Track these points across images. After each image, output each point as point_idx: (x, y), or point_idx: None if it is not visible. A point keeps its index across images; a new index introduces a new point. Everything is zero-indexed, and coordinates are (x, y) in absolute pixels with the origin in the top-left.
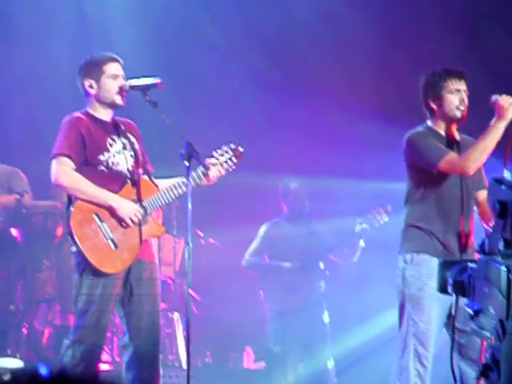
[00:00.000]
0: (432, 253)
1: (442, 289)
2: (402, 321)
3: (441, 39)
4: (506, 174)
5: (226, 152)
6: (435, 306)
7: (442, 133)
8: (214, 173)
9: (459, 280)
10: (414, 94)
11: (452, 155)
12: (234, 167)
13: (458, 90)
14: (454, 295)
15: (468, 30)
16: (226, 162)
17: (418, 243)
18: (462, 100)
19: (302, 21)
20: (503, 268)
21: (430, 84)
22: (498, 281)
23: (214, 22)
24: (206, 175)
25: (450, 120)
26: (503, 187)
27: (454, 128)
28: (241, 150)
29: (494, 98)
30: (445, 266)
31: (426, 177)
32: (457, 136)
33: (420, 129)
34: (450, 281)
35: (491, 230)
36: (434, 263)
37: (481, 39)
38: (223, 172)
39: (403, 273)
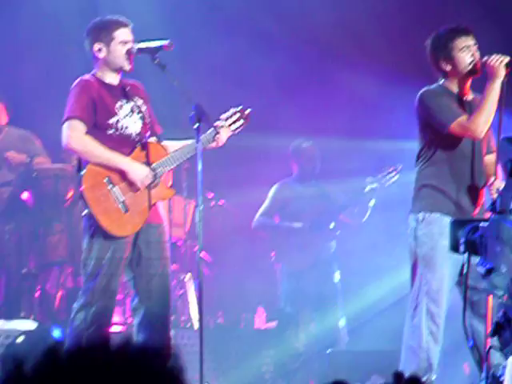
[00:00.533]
0: (444, 211)
1: (454, 248)
2: (414, 280)
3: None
4: None
5: (234, 114)
6: (447, 264)
7: (456, 91)
8: (222, 136)
9: (471, 239)
10: (424, 52)
11: (463, 118)
12: (241, 128)
13: (468, 46)
14: (466, 254)
15: None
16: (233, 122)
17: (430, 202)
18: (474, 55)
19: None
20: None
21: (438, 46)
22: (509, 240)
23: None
24: (214, 138)
25: (465, 77)
26: None
27: (468, 85)
28: (248, 111)
29: (484, 59)
30: (456, 225)
31: (439, 136)
32: (469, 94)
33: (433, 87)
34: (462, 240)
35: (502, 189)
36: (445, 222)
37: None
38: (229, 134)
39: (415, 232)
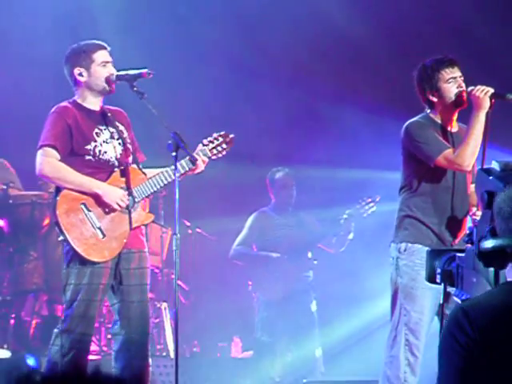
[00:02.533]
0: (427, 243)
1: (430, 278)
2: (393, 310)
3: (428, 30)
4: (494, 165)
5: (216, 139)
6: (428, 295)
7: (442, 123)
8: (200, 162)
9: (447, 269)
10: (405, 84)
11: (449, 151)
12: (224, 153)
13: (454, 78)
14: (442, 285)
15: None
16: (215, 147)
17: (413, 233)
18: (460, 86)
19: (283, 7)
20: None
21: (424, 78)
22: (485, 271)
23: (197, 13)
24: (193, 164)
25: (451, 108)
26: (491, 178)
27: (454, 117)
28: (231, 135)
29: (469, 89)
30: (433, 255)
31: (423, 168)
32: (454, 126)
33: (420, 119)
34: (439, 270)
35: (478, 220)
36: None
37: (470, 33)
38: (207, 159)
39: (397, 262)
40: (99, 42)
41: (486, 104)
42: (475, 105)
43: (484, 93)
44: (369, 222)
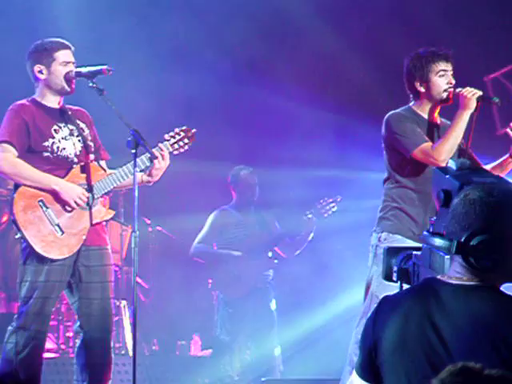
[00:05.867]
0: (407, 235)
1: (387, 276)
2: (366, 297)
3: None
4: (451, 163)
5: (178, 134)
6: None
7: (425, 116)
8: (160, 164)
9: (404, 268)
10: (361, 80)
11: (426, 145)
12: (186, 147)
13: (446, 71)
14: (399, 283)
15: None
16: (176, 142)
17: (395, 224)
18: (450, 82)
19: (250, 11)
20: (446, 257)
21: (416, 67)
22: (441, 269)
23: (160, 10)
24: (152, 159)
25: (436, 102)
26: (447, 176)
27: (437, 110)
28: (193, 130)
29: (457, 90)
30: (390, 253)
31: (406, 159)
32: (438, 119)
33: (400, 111)
34: (395, 268)
35: (435, 218)
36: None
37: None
38: (166, 156)
39: (375, 250)
40: (63, 41)
41: (472, 105)
42: (461, 104)
43: (472, 94)
44: (330, 222)
